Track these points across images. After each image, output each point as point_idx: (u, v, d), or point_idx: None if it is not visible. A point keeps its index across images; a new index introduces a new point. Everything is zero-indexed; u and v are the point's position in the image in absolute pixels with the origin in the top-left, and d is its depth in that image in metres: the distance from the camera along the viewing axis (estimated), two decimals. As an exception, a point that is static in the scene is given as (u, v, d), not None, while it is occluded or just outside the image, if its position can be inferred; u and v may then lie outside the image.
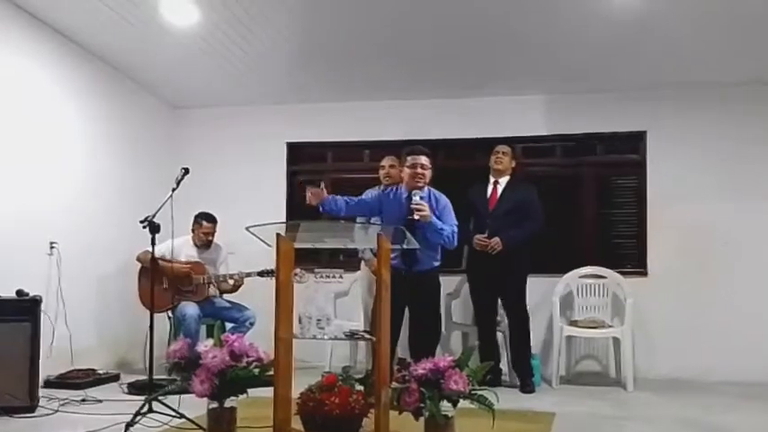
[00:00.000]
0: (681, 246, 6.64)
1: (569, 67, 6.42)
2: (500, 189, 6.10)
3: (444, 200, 5.29)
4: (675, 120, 6.76)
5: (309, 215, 7.33)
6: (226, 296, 6.56)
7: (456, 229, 5.16)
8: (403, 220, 4.92)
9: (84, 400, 5.09)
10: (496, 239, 5.81)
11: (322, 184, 5.19)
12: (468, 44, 6.00)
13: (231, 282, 6.38)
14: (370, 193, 5.64)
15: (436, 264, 5.31)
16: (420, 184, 5.13)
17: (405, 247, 4.54)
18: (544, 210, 6.07)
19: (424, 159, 5.17)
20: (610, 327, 6.34)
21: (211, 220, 6.49)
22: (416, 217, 4.94)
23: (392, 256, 4.80)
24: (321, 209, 5.17)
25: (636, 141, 6.94)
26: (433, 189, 5.31)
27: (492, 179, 6.14)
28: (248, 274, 6.25)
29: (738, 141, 6.60)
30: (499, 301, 6.09)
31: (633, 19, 5.44)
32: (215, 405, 3.94)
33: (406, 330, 5.41)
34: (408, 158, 5.20)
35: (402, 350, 5.70)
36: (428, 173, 5.18)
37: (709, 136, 6.68)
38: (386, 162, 6.22)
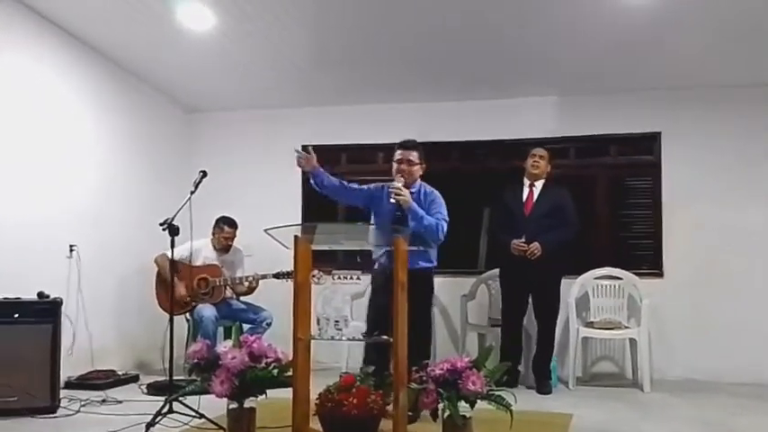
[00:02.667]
0: (696, 247, 6.62)
1: (583, 69, 6.43)
2: (536, 193, 6.07)
3: (435, 194, 5.00)
4: (690, 121, 6.74)
5: (325, 217, 7.42)
6: (243, 298, 6.60)
7: (444, 222, 4.83)
8: (391, 214, 4.79)
9: (104, 401, 5.15)
10: (536, 245, 5.79)
11: (310, 149, 4.88)
12: (482, 46, 6.01)
13: (246, 284, 6.43)
14: (367, 186, 5.21)
15: (424, 264, 4.84)
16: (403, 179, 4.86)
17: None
18: (579, 214, 6.07)
19: (413, 155, 4.93)
20: (626, 328, 6.33)
21: (233, 225, 6.55)
22: (392, 200, 4.69)
23: (380, 253, 4.86)
24: (312, 180, 4.91)
25: (650, 142, 6.92)
26: (425, 184, 5.07)
27: (527, 182, 6.11)
28: (264, 276, 6.29)
29: (753, 143, 6.58)
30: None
31: (647, 20, 5.45)
32: (235, 405, 3.97)
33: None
34: (397, 152, 4.97)
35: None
36: (416, 168, 4.93)
37: (724, 137, 6.65)
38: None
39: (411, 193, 4.82)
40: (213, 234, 6.55)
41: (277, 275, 6.19)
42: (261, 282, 6.36)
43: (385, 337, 4.16)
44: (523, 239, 5.84)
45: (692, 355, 6.49)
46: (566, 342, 6.42)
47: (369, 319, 5.00)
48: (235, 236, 6.58)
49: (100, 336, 6.04)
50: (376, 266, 4.97)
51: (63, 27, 5.84)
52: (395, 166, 4.94)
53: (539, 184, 6.09)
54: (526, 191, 6.10)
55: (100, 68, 6.37)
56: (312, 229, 4.25)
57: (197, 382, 4.16)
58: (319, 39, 6.05)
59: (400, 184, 4.75)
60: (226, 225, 6.54)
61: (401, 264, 3.89)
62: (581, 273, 6.51)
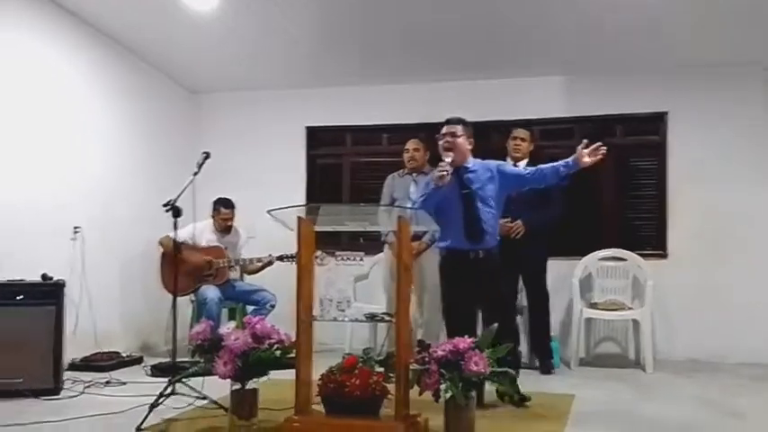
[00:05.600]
0: (701, 228, 6.59)
1: (589, 48, 6.38)
2: None
3: (494, 163, 4.82)
4: (697, 101, 6.69)
5: (329, 199, 7.43)
6: (247, 279, 6.62)
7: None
8: (458, 195, 4.60)
9: (108, 383, 5.18)
10: (518, 222, 5.79)
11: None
12: (487, 26, 5.98)
13: (259, 264, 6.43)
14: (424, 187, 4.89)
15: (497, 241, 4.79)
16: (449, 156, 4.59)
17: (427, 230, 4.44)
18: (563, 192, 6.04)
19: (457, 128, 4.66)
20: (629, 309, 6.33)
21: (229, 205, 6.53)
22: (438, 177, 4.43)
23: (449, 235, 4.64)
24: (428, 196, 4.58)
25: (656, 123, 6.87)
26: (481, 161, 4.79)
27: (510, 162, 6.10)
28: (270, 262, 6.32)
29: (759, 122, 6.52)
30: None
31: (653, -1, 5.41)
32: (237, 386, 3.99)
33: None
34: (442, 129, 4.73)
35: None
36: (461, 141, 4.65)
37: (730, 117, 6.61)
38: (410, 145, 6.19)
39: (470, 171, 4.67)
40: (212, 216, 6.54)
41: (281, 258, 6.22)
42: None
43: (388, 317, 4.18)
44: (508, 219, 5.80)
45: (695, 336, 6.49)
46: (569, 323, 6.42)
47: (446, 299, 4.83)
48: (233, 216, 6.56)
49: (104, 317, 6.06)
50: (444, 253, 4.80)
51: (69, 9, 5.82)
52: (440, 143, 4.70)
53: (522, 164, 6.07)
54: None
55: (105, 49, 6.35)
56: (315, 210, 4.25)
57: (200, 363, 4.17)
58: (325, 18, 6.01)
59: (448, 160, 4.51)
60: (222, 206, 6.51)
61: (405, 246, 3.90)
62: (585, 253, 6.51)
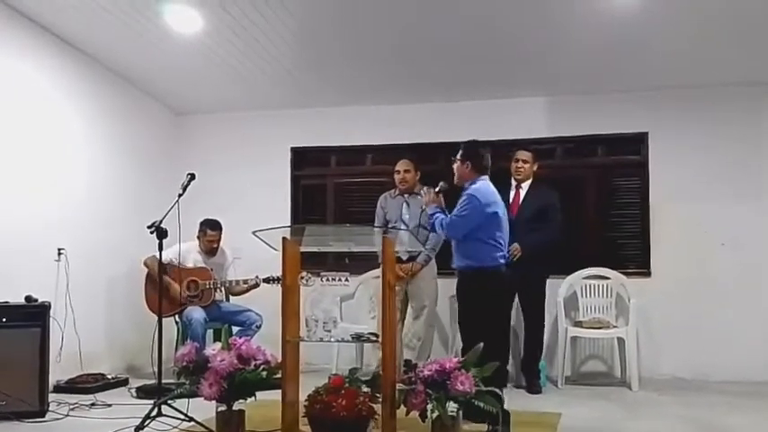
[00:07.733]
0: (683, 246, 6.65)
1: (570, 69, 6.45)
2: (522, 194, 6.11)
3: (465, 195, 4.81)
4: (677, 121, 6.78)
5: (314, 219, 7.44)
6: (232, 299, 6.61)
7: (447, 219, 4.78)
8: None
9: (93, 405, 5.13)
10: (516, 246, 5.75)
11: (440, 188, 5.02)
12: (470, 48, 6.02)
13: (245, 286, 6.43)
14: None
15: (462, 263, 4.77)
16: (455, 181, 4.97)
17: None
18: (561, 215, 6.08)
19: (459, 154, 4.94)
20: (614, 327, 6.36)
21: (216, 227, 6.53)
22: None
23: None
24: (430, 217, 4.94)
25: (637, 143, 6.95)
26: (477, 185, 4.81)
27: (514, 183, 6.16)
28: (256, 284, 6.31)
29: (740, 142, 6.62)
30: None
31: (634, 20, 5.46)
32: (223, 408, 3.99)
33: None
34: None
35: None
36: (454, 165, 4.94)
37: (711, 137, 6.70)
38: (401, 167, 6.19)
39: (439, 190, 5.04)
40: (198, 238, 6.53)
41: (267, 280, 6.21)
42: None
43: (374, 337, 4.20)
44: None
45: (679, 354, 6.53)
46: (554, 341, 6.45)
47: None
48: (220, 238, 6.56)
49: (89, 339, 6.01)
50: None
51: (52, 30, 5.82)
52: None
53: (525, 185, 6.13)
54: (512, 192, 6.12)
55: (89, 71, 6.35)
56: (301, 231, 4.27)
57: (186, 385, 4.16)
58: (307, 40, 6.05)
59: (426, 190, 5.10)
60: (209, 228, 6.51)
61: (389, 265, 3.93)
62: (569, 273, 6.54)
